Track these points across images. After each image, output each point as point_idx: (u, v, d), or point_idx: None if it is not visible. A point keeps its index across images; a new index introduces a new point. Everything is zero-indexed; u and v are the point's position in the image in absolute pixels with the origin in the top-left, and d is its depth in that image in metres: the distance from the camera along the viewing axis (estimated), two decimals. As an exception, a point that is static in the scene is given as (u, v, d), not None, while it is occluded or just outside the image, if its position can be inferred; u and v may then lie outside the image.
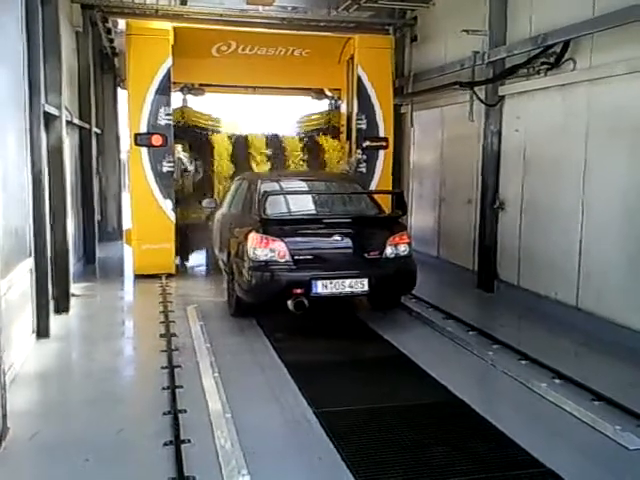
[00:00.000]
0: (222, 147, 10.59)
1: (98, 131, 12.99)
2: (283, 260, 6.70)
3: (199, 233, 10.21)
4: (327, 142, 11.15)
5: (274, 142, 10.98)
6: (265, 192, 7.03)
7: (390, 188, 10.53)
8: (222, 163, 10.51)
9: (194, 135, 10.85)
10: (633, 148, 6.44)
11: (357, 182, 8.79)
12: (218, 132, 11.13)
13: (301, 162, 10.90)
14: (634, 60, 6.29)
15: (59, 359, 6.18)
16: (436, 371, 5.66)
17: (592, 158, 7.03)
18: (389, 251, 7.01)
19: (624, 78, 6.48)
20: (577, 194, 7.22)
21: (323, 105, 12.34)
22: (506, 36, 8.64)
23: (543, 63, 7.71)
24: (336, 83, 11.41)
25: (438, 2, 10.68)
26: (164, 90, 9.53)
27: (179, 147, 10.26)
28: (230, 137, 10.85)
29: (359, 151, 10.56)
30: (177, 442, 4.18)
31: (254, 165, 10.58)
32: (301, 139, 11.22)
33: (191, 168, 10.44)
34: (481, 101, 8.84)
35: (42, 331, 6.52)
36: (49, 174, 6.96)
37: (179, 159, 10.15)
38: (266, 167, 10.61)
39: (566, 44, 7.30)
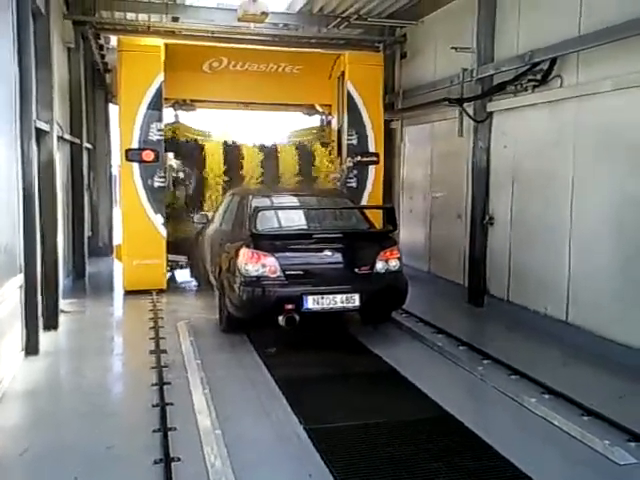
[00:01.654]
0: (214, 157, 10.62)
1: (89, 146, 12.99)
2: (274, 275, 6.70)
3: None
4: (319, 150, 11.24)
5: (267, 149, 11.05)
6: (256, 207, 7.05)
7: (381, 203, 10.58)
8: (214, 169, 10.55)
9: (186, 150, 10.87)
10: (621, 163, 6.52)
11: (348, 197, 8.85)
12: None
13: (294, 170, 10.98)
14: (620, 77, 6.39)
15: (48, 376, 6.14)
16: (426, 386, 5.67)
17: (580, 173, 7.11)
18: (380, 266, 7.04)
19: (611, 94, 6.58)
20: (565, 209, 7.29)
21: (314, 121, 12.44)
22: (494, 53, 8.76)
23: (530, 80, 7.80)
24: (327, 99, 11.51)
25: (427, 20, 10.81)
26: (155, 106, 9.57)
27: (170, 155, 10.27)
28: (223, 145, 10.89)
29: (349, 159, 10.63)
30: (167, 460, 4.16)
31: (246, 173, 10.64)
32: (294, 147, 11.29)
33: (182, 176, 10.46)
34: (470, 117, 8.93)
35: (31, 348, 6.47)
36: (40, 189, 6.93)
37: (170, 166, 10.15)
38: (258, 173, 10.69)
39: (553, 61, 7.41)
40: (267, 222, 7.15)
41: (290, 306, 6.56)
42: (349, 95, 10.57)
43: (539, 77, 7.67)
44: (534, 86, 7.79)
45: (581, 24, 6.95)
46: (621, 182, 6.51)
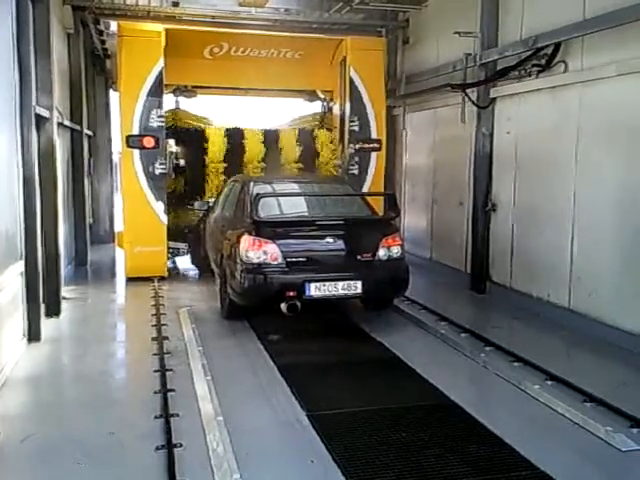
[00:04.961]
0: (216, 143, 10.57)
1: (90, 133, 12.93)
2: (276, 262, 6.69)
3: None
4: (321, 136, 11.19)
5: (269, 135, 10.99)
6: (257, 194, 7.01)
7: (382, 190, 10.54)
8: (216, 155, 10.50)
9: (187, 136, 10.82)
10: (624, 149, 6.47)
11: (349, 184, 8.80)
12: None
13: (295, 156, 10.94)
14: (625, 61, 6.33)
15: (50, 363, 6.14)
16: (428, 373, 5.66)
17: (583, 159, 7.06)
18: (382, 253, 7.02)
19: (615, 79, 6.51)
20: (569, 196, 7.25)
21: (316, 107, 12.36)
22: (498, 38, 8.68)
23: (534, 65, 7.74)
24: (328, 85, 11.44)
25: (430, 4, 10.72)
26: (156, 92, 9.49)
27: (171, 141, 10.20)
28: (224, 130, 10.83)
29: (351, 145, 10.58)
30: (169, 446, 4.16)
31: (247, 159, 10.59)
32: (296, 133, 11.23)
33: (183, 163, 10.42)
34: (473, 103, 8.86)
35: (33, 335, 6.47)
36: (40, 176, 6.90)
37: (171, 153, 10.09)
38: (260, 159, 10.64)
39: (557, 46, 7.34)
40: (269, 209, 7.11)
41: (292, 293, 6.55)
42: (351, 81, 10.48)
43: (543, 62, 7.60)
44: (538, 71, 7.73)
45: (586, 8, 6.86)
46: (625, 167, 6.46)
